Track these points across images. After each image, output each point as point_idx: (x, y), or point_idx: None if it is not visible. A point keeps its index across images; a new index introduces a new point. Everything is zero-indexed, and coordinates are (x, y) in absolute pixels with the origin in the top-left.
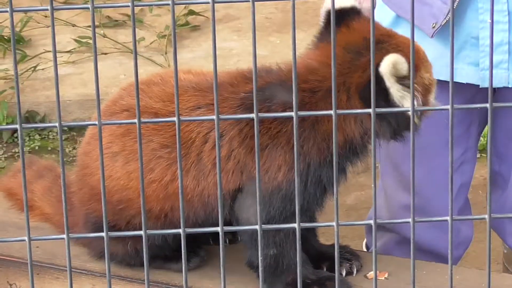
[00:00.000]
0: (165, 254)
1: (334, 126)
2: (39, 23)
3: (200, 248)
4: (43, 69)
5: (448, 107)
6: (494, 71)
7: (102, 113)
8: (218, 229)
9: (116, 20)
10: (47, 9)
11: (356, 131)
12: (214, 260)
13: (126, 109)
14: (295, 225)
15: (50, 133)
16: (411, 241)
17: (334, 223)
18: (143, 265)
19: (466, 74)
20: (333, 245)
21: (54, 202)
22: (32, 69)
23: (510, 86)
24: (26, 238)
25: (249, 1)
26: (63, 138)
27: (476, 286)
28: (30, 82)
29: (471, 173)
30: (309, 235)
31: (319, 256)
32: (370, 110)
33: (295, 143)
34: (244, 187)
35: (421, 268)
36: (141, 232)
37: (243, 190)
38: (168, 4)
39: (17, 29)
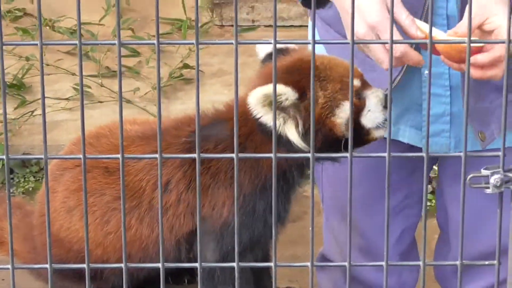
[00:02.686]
0: None
1: (274, 169)
2: (39, 70)
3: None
4: (40, 114)
5: (385, 154)
6: (436, 139)
7: (55, 168)
8: (159, 265)
9: (114, 71)
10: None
11: (285, 164)
12: None
13: (78, 164)
14: (234, 264)
15: (43, 175)
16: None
17: (272, 264)
18: None
19: (408, 136)
20: None
21: (21, 240)
22: (30, 113)
23: (451, 153)
24: (9, 266)
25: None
26: None
27: None
28: (28, 126)
29: (416, 218)
30: (262, 274)
31: None
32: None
33: (235, 183)
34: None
35: None
36: (84, 265)
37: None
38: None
39: (19, 75)
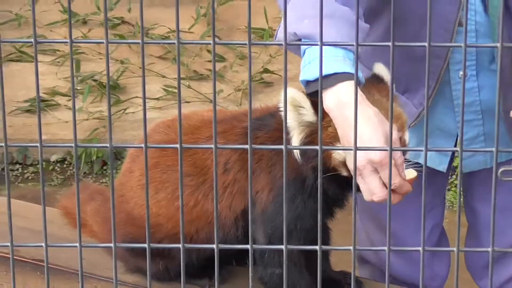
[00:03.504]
0: (190, 272)
1: (284, 161)
2: (133, 73)
3: (222, 268)
4: (133, 112)
5: (423, 148)
6: (473, 158)
7: (133, 151)
8: (214, 246)
9: (201, 74)
10: (66, 42)
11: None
12: (234, 279)
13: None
14: (282, 246)
15: None
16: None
17: (317, 247)
18: (172, 280)
19: (428, 158)
20: (340, 272)
21: (100, 222)
22: (122, 111)
23: (488, 166)
24: (43, 244)
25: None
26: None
27: None
28: (120, 123)
29: (441, 216)
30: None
31: (328, 280)
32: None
33: (284, 170)
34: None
35: None
36: (145, 245)
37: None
38: (209, 43)
39: (115, 77)
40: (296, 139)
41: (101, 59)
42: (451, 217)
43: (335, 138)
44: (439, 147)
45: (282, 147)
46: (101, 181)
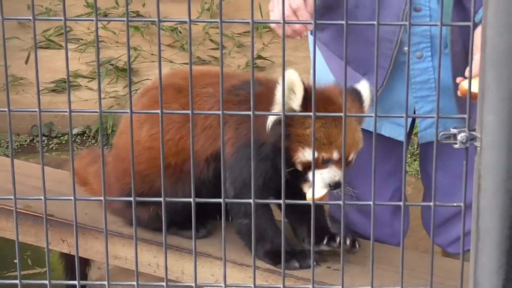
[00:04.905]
0: (179, 222)
1: (252, 126)
2: (145, 58)
3: (208, 223)
4: None
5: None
6: (429, 130)
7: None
8: (191, 200)
9: (204, 60)
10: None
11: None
12: (218, 232)
13: (152, 88)
14: (251, 200)
15: None
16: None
17: (281, 201)
18: (160, 230)
19: (389, 131)
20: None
21: (98, 182)
22: (135, 91)
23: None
24: (42, 197)
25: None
26: None
27: (416, 265)
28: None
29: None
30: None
31: (320, 230)
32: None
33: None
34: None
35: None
36: (131, 198)
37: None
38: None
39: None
40: (271, 119)
41: (117, 46)
42: (417, 184)
43: (304, 140)
44: (419, 114)
45: (250, 113)
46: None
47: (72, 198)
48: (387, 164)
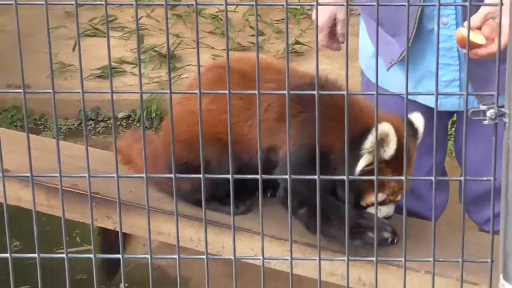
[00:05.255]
0: (220, 196)
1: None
2: (187, 45)
3: (247, 199)
4: (186, 77)
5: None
6: (449, 99)
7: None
8: (258, 176)
9: (244, 46)
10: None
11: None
12: (258, 208)
13: (213, 67)
14: (287, 176)
15: None
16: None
17: (316, 177)
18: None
19: (424, 98)
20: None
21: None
22: (178, 76)
23: (461, 110)
24: (115, 175)
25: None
26: None
27: (449, 239)
28: (176, 86)
29: (442, 158)
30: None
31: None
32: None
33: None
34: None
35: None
36: (172, 175)
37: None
38: (221, 4)
39: (172, 48)
40: (362, 160)
41: (161, 34)
42: (450, 162)
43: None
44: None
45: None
46: (157, 135)
47: (115, 175)
48: (427, 138)
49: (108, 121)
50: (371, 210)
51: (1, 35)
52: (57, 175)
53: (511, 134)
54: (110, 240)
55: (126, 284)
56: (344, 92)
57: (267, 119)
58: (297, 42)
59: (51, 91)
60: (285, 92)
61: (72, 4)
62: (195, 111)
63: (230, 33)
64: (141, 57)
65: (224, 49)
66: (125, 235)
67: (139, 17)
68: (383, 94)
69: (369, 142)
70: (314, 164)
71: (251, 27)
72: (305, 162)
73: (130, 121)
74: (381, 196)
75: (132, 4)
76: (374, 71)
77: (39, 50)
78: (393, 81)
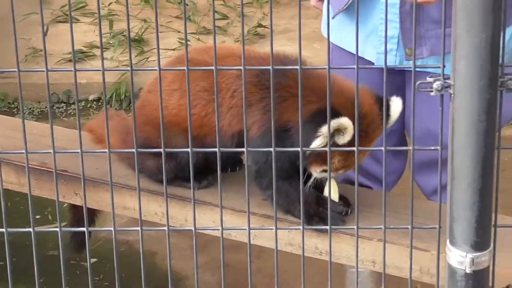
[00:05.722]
0: (183, 176)
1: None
2: (154, 29)
3: (209, 174)
4: (153, 60)
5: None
6: (383, 56)
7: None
8: (216, 150)
9: (209, 29)
10: None
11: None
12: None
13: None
14: (271, 149)
15: None
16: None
17: (298, 148)
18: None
19: (370, 54)
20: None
21: (116, 136)
22: (145, 59)
23: (398, 66)
24: (51, 151)
25: None
26: None
27: (400, 208)
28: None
29: (399, 125)
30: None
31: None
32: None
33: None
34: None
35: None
36: (161, 149)
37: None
38: None
39: (140, 33)
40: (317, 141)
41: (130, 19)
42: None
43: (324, 164)
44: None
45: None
46: (128, 115)
47: (79, 151)
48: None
49: (79, 104)
50: (317, 174)
51: None
52: (23, 151)
53: (456, 104)
54: (79, 216)
55: (96, 259)
56: (326, 67)
57: (235, 105)
58: (260, 25)
59: (16, 70)
60: (269, 67)
61: None
62: (168, 106)
63: (196, 17)
64: (110, 41)
65: (190, 33)
66: (93, 211)
67: (108, 3)
68: (363, 68)
69: (325, 129)
70: (279, 144)
71: (216, 11)
72: (271, 144)
73: (100, 104)
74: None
75: None
76: (331, 29)
77: (13, 35)
78: (343, 36)
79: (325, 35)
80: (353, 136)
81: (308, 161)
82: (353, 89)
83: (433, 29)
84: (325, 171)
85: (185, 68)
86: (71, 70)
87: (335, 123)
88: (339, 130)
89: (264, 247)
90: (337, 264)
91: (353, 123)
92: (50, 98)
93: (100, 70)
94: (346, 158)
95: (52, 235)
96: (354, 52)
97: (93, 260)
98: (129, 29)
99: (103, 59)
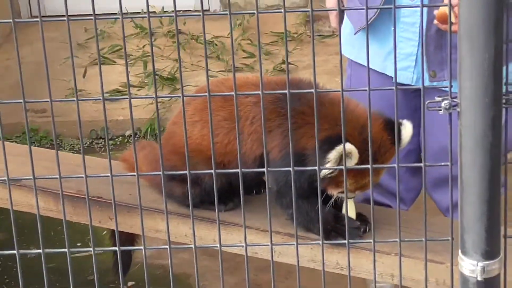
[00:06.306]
0: (209, 200)
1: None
2: (186, 68)
3: (235, 197)
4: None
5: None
6: (403, 72)
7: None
8: (238, 170)
9: (237, 67)
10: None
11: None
12: (246, 205)
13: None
14: (290, 168)
15: None
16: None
17: (316, 167)
18: (195, 207)
19: (391, 70)
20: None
21: (147, 164)
22: (177, 98)
23: (413, 85)
24: (83, 175)
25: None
26: None
27: (415, 223)
28: (176, 104)
29: (417, 143)
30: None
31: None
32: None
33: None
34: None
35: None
36: (186, 172)
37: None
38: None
39: (172, 72)
40: (329, 163)
41: (162, 59)
42: None
43: (339, 186)
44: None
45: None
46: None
47: (109, 175)
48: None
49: (116, 139)
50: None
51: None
52: (57, 176)
53: (463, 121)
54: (120, 242)
55: (133, 282)
56: (339, 90)
57: (255, 131)
58: (284, 62)
59: (48, 100)
60: (286, 91)
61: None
62: (191, 136)
63: (224, 56)
64: (145, 80)
65: (219, 71)
66: (132, 236)
67: (142, 45)
68: (375, 89)
69: (332, 155)
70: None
71: (243, 50)
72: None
73: (136, 138)
74: (340, 192)
75: (119, 18)
76: (352, 46)
77: (54, 78)
78: (364, 53)
79: (345, 53)
80: (360, 159)
81: (323, 185)
82: (364, 114)
83: (455, 53)
84: (342, 192)
85: (206, 94)
86: (126, 98)
87: (337, 150)
88: (346, 156)
89: (293, 268)
90: (359, 280)
91: (361, 148)
92: (81, 127)
93: (127, 98)
94: (357, 181)
95: (92, 261)
96: (375, 68)
97: (131, 283)
98: (153, 59)
99: (129, 86)
